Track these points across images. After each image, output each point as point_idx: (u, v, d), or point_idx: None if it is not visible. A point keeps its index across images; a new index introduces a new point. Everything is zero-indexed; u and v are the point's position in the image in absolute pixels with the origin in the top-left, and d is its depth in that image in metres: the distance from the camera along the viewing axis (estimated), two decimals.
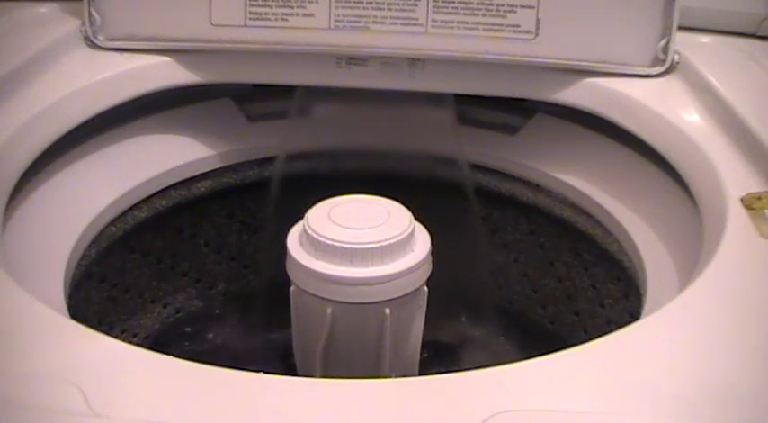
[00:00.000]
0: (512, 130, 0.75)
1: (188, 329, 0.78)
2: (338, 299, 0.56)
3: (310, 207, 0.58)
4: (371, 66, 0.67)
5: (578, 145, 0.70)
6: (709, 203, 0.53)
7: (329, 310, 0.56)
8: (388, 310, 0.56)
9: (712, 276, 0.45)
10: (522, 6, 0.63)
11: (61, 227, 0.59)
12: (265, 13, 0.64)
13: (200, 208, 0.74)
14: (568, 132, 0.71)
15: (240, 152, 0.74)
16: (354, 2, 0.63)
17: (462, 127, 0.75)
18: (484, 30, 0.63)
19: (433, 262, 0.58)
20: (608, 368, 0.40)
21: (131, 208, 0.67)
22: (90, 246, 0.62)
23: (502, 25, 0.63)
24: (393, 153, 0.75)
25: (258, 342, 0.78)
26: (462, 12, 0.63)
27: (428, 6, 0.63)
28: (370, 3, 0.63)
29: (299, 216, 0.58)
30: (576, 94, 0.65)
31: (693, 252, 0.52)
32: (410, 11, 0.63)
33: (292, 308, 0.59)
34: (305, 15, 0.64)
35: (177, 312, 0.78)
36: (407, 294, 0.57)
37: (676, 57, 0.64)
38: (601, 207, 0.66)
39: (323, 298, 0.56)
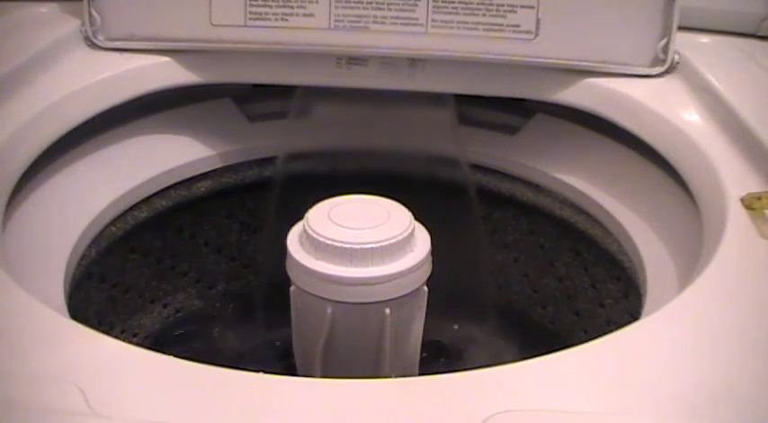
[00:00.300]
0: (512, 130, 0.75)
1: (188, 329, 0.78)
2: (338, 299, 0.56)
3: (310, 207, 0.58)
4: (371, 66, 0.67)
5: (578, 145, 0.70)
6: (709, 203, 0.53)
7: (329, 310, 0.56)
8: (388, 310, 0.56)
9: (712, 276, 0.45)
10: (522, 6, 0.63)
11: (61, 227, 0.59)
12: (265, 13, 0.64)
13: (200, 208, 0.74)
14: (568, 132, 0.71)
15: (240, 152, 0.74)
16: (354, 2, 0.63)
17: (462, 127, 0.75)
18: (484, 30, 0.63)
19: (433, 262, 0.58)
20: (608, 368, 0.40)
21: (131, 208, 0.67)
22: (90, 246, 0.62)
23: (502, 25, 0.63)
24: (393, 153, 0.75)
25: (258, 342, 0.78)
26: (462, 12, 0.63)
27: (428, 6, 0.63)
28: (370, 3, 0.63)
29: (299, 216, 0.58)
30: (576, 94, 0.65)
31: (693, 252, 0.52)
32: (410, 11, 0.63)
33: (292, 308, 0.59)
34: (305, 15, 0.64)
35: (177, 312, 0.78)
36: (407, 294, 0.57)
37: (676, 57, 0.64)
38: (601, 207, 0.66)
39: (323, 298, 0.56)
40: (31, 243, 0.55)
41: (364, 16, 0.64)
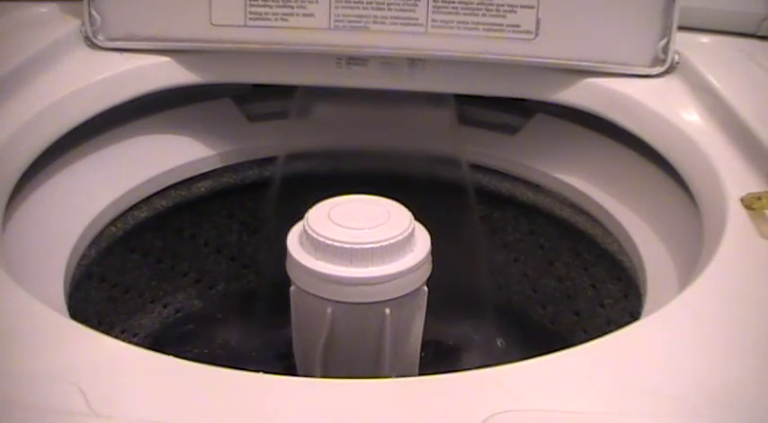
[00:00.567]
0: (512, 130, 0.75)
1: (188, 329, 0.78)
2: (338, 299, 0.56)
3: (310, 207, 0.58)
4: (371, 66, 0.67)
5: (578, 145, 0.70)
6: (709, 203, 0.53)
7: (329, 310, 0.56)
8: (388, 310, 0.56)
9: (712, 276, 0.45)
10: (522, 6, 0.63)
11: (61, 227, 0.59)
12: (265, 13, 0.64)
13: (200, 208, 0.74)
14: (568, 132, 0.71)
15: (240, 152, 0.74)
16: (354, 2, 0.63)
17: (462, 127, 0.75)
18: (484, 30, 0.63)
19: (433, 262, 0.58)
20: (608, 368, 0.40)
21: (131, 208, 0.67)
22: (90, 246, 0.62)
23: (502, 25, 0.63)
24: (393, 153, 0.75)
25: (258, 342, 0.78)
26: (462, 12, 0.63)
27: (428, 6, 0.63)
28: (370, 3, 0.63)
29: (299, 216, 0.58)
30: (576, 94, 0.65)
31: (693, 252, 0.52)
32: (410, 11, 0.63)
33: (292, 308, 0.59)
34: (305, 15, 0.64)
35: (177, 312, 0.78)
36: (407, 294, 0.57)
37: (676, 57, 0.64)
38: (601, 207, 0.66)
39: (323, 298, 0.56)
40: (31, 243, 0.55)
41: (364, 16, 0.64)
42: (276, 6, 0.64)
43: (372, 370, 0.59)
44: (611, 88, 0.63)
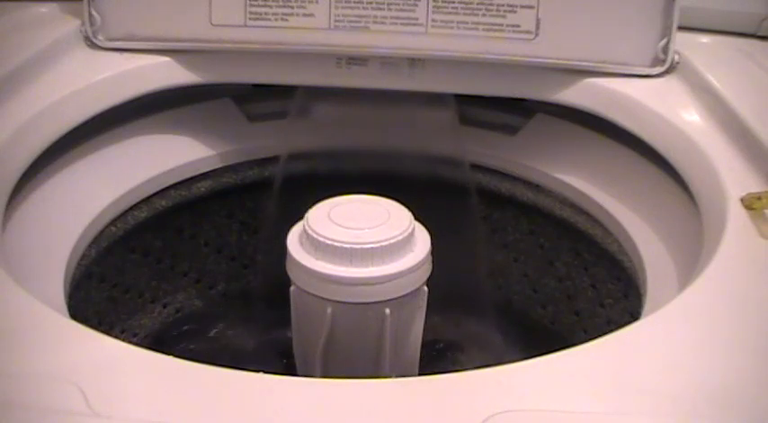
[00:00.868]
0: (512, 130, 0.75)
1: (188, 329, 0.78)
2: (338, 299, 0.56)
3: (310, 207, 0.58)
4: (371, 66, 0.67)
5: (578, 145, 0.70)
6: (709, 203, 0.53)
7: (329, 310, 0.56)
8: (388, 310, 0.56)
9: (712, 276, 0.45)
10: (522, 6, 0.63)
11: (61, 227, 0.59)
12: (265, 13, 0.64)
13: (200, 208, 0.74)
14: (568, 132, 0.71)
15: (240, 152, 0.74)
16: (354, 2, 0.63)
17: (462, 127, 0.75)
18: (484, 30, 0.63)
19: (433, 262, 0.58)
20: (608, 368, 0.40)
21: (131, 208, 0.67)
22: (90, 246, 0.62)
23: (502, 25, 0.63)
24: (393, 153, 0.75)
25: (258, 342, 0.78)
26: (462, 12, 0.63)
27: (428, 6, 0.63)
28: (370, 3, 0.63)
29: (299, 216, 0.58)
30: (576, 94, 0.65)
31: (693, 252, 0.52)
32: (410, 11, 0.63)
33: (292, 308, 0.59)
34: (305, 15, 0.64)
35: (177, 312, 0.78)
36: (407, 294, 0.57)
37: (676, 57, 0.64)
38: (601, 207, 0.66)
39: (323, 298, 0.56)
40: (31, 243, 0.55)
41: (364, 16, 0.64)
42: (276, 6, 0.64)
43: (372, 370, 0.59)
44: (611, 88, 0.63)
